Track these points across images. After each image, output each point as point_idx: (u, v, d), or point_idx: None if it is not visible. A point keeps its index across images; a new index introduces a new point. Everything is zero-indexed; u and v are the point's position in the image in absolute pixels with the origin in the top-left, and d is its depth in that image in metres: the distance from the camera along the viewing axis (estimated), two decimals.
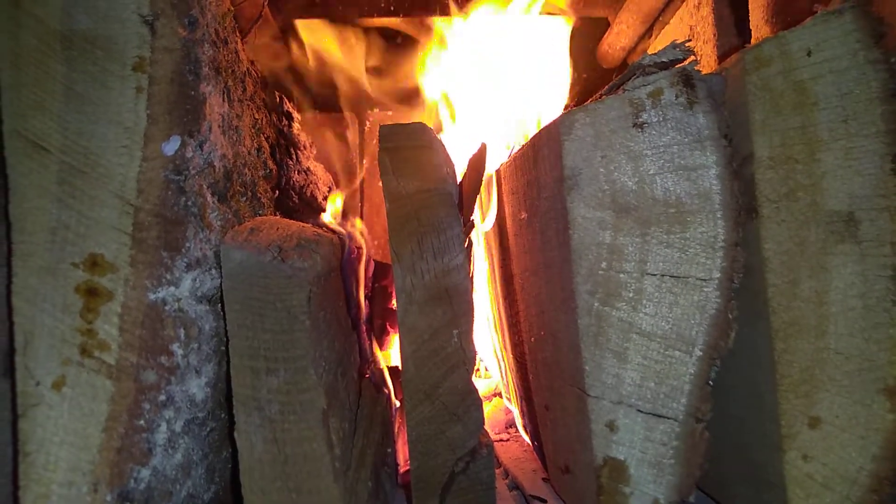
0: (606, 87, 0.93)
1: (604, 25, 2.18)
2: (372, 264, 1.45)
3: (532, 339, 1.07)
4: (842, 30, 0.77)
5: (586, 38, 2.15)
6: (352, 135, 2.50)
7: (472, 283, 1.02)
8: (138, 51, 0.74)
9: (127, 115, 0.74)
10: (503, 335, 1.38)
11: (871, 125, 0.77)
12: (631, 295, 0.81)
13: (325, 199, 1.69)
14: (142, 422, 0.73)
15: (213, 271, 0.81)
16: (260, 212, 1.06)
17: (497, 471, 1.22)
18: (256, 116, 1.13)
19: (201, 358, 0.79)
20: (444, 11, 1.90)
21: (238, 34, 1.03)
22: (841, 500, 0.77)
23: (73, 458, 0.70)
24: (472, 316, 0.87)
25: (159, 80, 0.75)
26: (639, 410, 0.81)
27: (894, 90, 0.76)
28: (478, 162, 1.05)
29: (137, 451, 0.72)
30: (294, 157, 1.43)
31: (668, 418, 0.80)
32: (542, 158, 0.91)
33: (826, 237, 0.79)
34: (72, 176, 0.72)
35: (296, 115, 1.53)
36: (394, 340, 1.64)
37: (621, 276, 0.81)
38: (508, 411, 1.58)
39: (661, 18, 1.86)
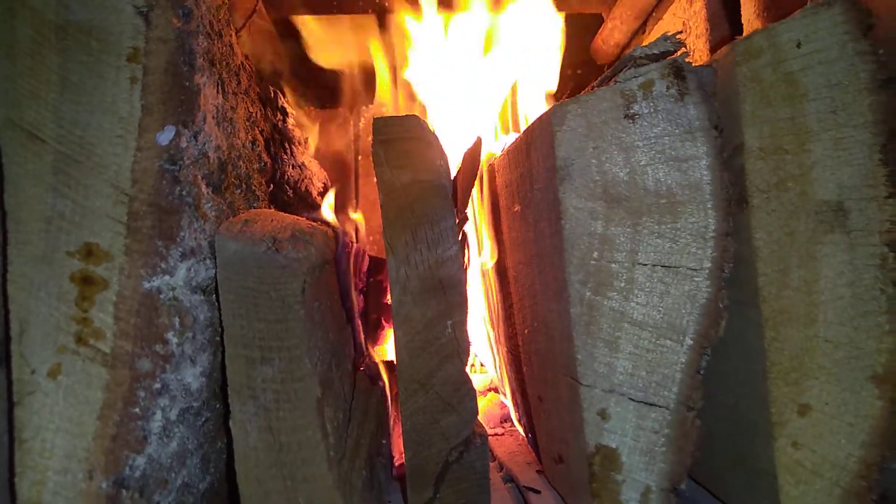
0: (598, 78, 0.94)
1: (598, 21, 2.19)
2: (366, 258, 1.46)
3: (526, 330, 1.08)
4: (831, 21, 0.78)
5: (580, 34, 2.16)
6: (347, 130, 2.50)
7: (466, 274, 1.03)
8: (133, 41, 0.75)
9: (122, 105, 0.74)
10: (497, 329, 1.38)
11: (859, 116, 0.78)
12: (622, 285, 0.82)
13: (320, 194, 1.70)
14: (137, 409, 0.73)
15: (208, 261, 0.81)
16: (254, 205, 1.07)
17: (492, 464, 1.23)
18: (251, 110, 1.13)
19: (196, 347, 0.80)
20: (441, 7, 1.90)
21: (232, 28, 1.03)
22: (830, 486, 0.78)
23: (68, 446, 0.70)
24: (466, 307, 0.87)
25: (154, 71, 0.76)
26: (630, 399, 0.82)
27: (882, 81, 0.77)
28: (472, 155, 1.06)
29: (132, 439, 0.73)
30: (289, 151, 1.43)
31: (660, 406, 0.81)
32: (535, 150, 0.91)
33: (815, 227, 0.80)
34: (67, 165, 0.73)
35: (290, 110, 1.54)
36: (389, 335, 1.64)
37: (613, 265, 0.82)
38: (503, 406, 1.58)
39: (654, 14, 1.87)
